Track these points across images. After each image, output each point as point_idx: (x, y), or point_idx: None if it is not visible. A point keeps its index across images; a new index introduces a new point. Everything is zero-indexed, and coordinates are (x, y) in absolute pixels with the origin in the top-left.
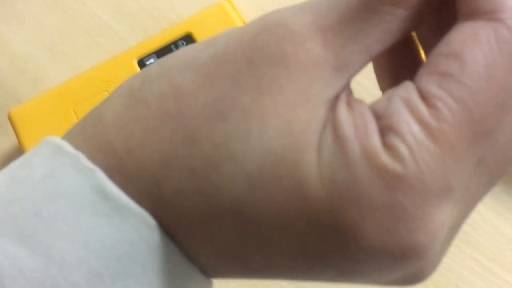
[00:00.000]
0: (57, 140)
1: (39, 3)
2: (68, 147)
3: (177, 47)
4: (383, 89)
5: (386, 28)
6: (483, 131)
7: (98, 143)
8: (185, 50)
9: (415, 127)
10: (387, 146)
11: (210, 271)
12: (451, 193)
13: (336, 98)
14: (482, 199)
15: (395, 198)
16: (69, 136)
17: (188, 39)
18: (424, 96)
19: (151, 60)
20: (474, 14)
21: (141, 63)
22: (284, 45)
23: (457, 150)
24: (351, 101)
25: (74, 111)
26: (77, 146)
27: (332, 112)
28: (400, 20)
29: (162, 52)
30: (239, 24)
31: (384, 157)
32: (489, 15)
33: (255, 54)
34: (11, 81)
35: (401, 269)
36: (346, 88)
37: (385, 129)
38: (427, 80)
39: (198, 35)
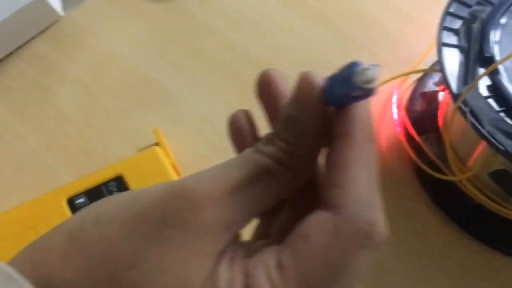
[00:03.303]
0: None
1: None
2: (15, 274)
3: (107, 188)
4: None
5: (267, 194)
6: None
7: (42, 272)
8: (116, 202)
9: None
10: None
11: None
12: None
13: (223, 252)
14: None
15: None
16: (15, 262)
17: (119, 181)
18: (279, 265)
19: (81, 200)
20: (324, 205)
21: (71, 202)
22: (184, 213)
23: None
24: (234, 255)
25: None
26: (23, 273)
27: (215, 266)
28: (277, 190)
29: (92, 192)
30: (169, 169)
31: None
32: (334, 209)
33: (164, 218)
34: None
35: None
36: (233, 241)
37: (249, 286)
38: (284, 252)
39: (129, 178)
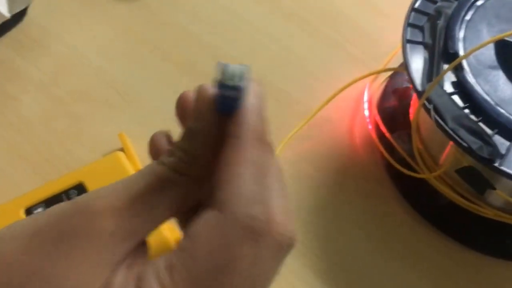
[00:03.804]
0: None
1: None
2: None
3: (68, 196)
4: None
5: (170, 203)
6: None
7: None
8: (24, 221)
9: None
10: None
11: None
12: None
13: (122, 260)
14: None
15: None
16: None
17: (79, 188)
18: (169, 266)
19: (40, 209)
20: (211, 203)
21: (29, 213)
22: (80, 226)
23: None
24: (133, 262)
25: None
26: None
27: (113, 274)
28: (181, 197)
29: (51, 201)
30: (131, 173)
31: None
32: (219, 206)
33: (60, 232)
34: None
35: None
36: (136, 249)
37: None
38: (174, 252)
39: (90, 185)
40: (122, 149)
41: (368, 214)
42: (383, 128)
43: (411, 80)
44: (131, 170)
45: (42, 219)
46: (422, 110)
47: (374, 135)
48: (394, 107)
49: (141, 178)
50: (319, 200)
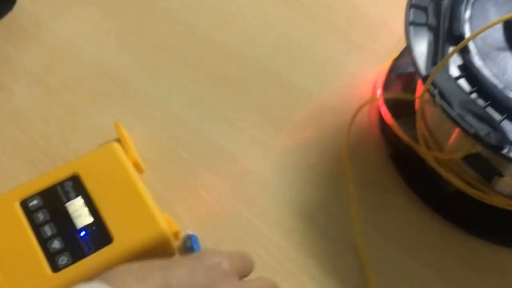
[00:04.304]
0: None
1: None
2: None
3: (63, 188)
4: None
5: None
6: None
7: None
8: None
9: None
10: None
11: None
12: None
13: None
14: None
15: None
16: None
17: (75, 180)
18: None
19: (35, 202)
20: None
21: (24, 205)
22: None
23: None
24: None
25: None
26: None
27: None
28: None
29: (47, 193)
30: (128, 165)
31: None
32: None
33: None
34: None
35: None
36: None
37: None
38: None
39: (85, 177)
40: (118, 140)
41: (372, 203)
42: (387, 115)
43: (415, 64)
44: (126, 162)
45: None
46: (427, 95)
47: (377, 122)
48: (398, 93)
49: None
50: (321, 190)
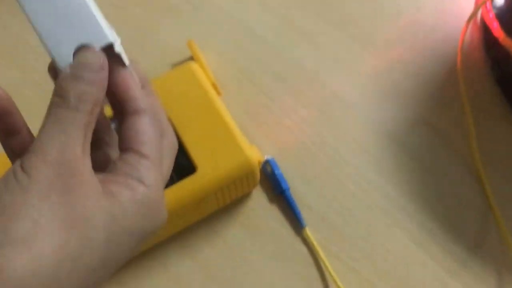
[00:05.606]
0: None
1: None
2: None
3: None
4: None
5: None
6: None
7: None
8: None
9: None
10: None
11: None
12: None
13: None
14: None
15: None
16: None
17: None
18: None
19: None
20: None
21: None
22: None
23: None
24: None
25: None
26: None
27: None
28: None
29: None
30: (207, 86)
31: None
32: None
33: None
34: None
35: None
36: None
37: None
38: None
39: (162, 99)
40: (191, 58)
41: (476, 132)
42: (495, 27)
43: None
44: (205, 82)
45: None
46: None
47: (481, 41)
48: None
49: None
50: (411, 118)
